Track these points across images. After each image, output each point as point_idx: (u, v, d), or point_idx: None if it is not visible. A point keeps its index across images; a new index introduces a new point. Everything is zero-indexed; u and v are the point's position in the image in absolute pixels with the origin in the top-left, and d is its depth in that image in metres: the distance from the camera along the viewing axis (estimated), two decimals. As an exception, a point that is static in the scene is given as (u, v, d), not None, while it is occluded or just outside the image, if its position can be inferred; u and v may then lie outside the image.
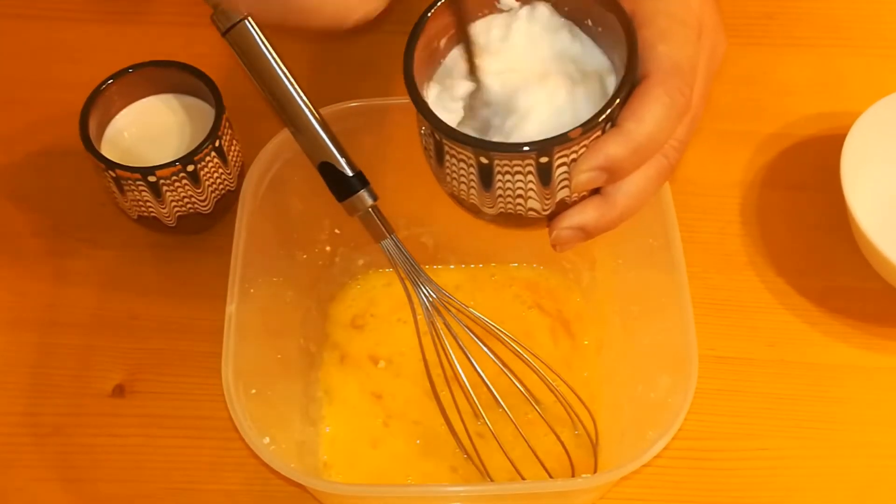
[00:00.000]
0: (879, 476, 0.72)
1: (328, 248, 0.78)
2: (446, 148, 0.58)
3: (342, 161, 0.64)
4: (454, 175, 0.59)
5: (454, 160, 0.59)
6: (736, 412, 0.74)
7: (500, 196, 0.59)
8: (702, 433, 0.73)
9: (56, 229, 0.83)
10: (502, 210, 0.59)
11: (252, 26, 0.62)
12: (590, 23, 0.61)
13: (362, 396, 0.75)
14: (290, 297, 0.75)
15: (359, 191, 0.64)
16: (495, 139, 0.59)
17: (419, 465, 0.73)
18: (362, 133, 0.72)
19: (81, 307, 0.79)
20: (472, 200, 0.60)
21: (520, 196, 0.58)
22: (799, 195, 0.83)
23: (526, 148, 0.56)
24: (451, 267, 0.80)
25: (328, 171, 0.64)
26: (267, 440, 0.64)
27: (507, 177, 0.57)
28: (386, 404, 0.75)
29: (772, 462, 0.73)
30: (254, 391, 0.66)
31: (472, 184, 0.59)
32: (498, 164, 0.57)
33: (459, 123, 0.60)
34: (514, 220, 0.60)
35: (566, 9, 0.62)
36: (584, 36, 0.62)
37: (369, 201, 0.65)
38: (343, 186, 0.64)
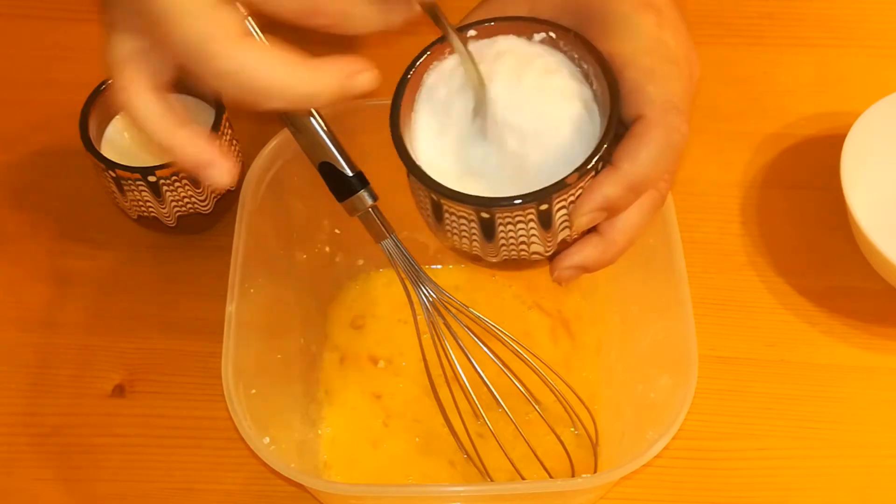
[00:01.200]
0: (879, 476, 0.72)
1: (328, 249, 0.78)
2: (445, 206, 0.59)
3: (342, 161, 0.63)
4: (454, 230, 0.60)
5: (454, 217, 0.59)
6: (736, 412, 0.74)
7: (504, 245, 0.59)
8: (702, 433, 0.73)
9: (56, 229, 0.82)
10: (506, 257, 0.60)
11: (252, 26, 0.62)
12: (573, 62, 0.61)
13: (362, 396, 0.75)
14: (290, 297, 0.75)
15: (359, 191, 0.64)
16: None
17: (419, 465, 0.73)
18: (362, 133, 0.72)
19: (81, 307, 0.79)
20: (474, 252, 0.61)
21: (523, 242, 0.59)
22: (799, 195, 0.83)
23: (525, 200, 0.56)
24: (451, 267, 0.80)
25: (328, 171, 0.64)
26: (267, 440, 0.64)
27: (510, 226, 0.58)
28: (386, 404, 0.75)
29: (772, 462, 0.73)
30: (254, 391, 0.66)
31: (475, 237, 0.59)
32: (500, 217, 0.57)
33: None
34: (517, 264, 0.61)
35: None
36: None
37: (369, 201, 0.64)
38: (343, 186, 0.64)
